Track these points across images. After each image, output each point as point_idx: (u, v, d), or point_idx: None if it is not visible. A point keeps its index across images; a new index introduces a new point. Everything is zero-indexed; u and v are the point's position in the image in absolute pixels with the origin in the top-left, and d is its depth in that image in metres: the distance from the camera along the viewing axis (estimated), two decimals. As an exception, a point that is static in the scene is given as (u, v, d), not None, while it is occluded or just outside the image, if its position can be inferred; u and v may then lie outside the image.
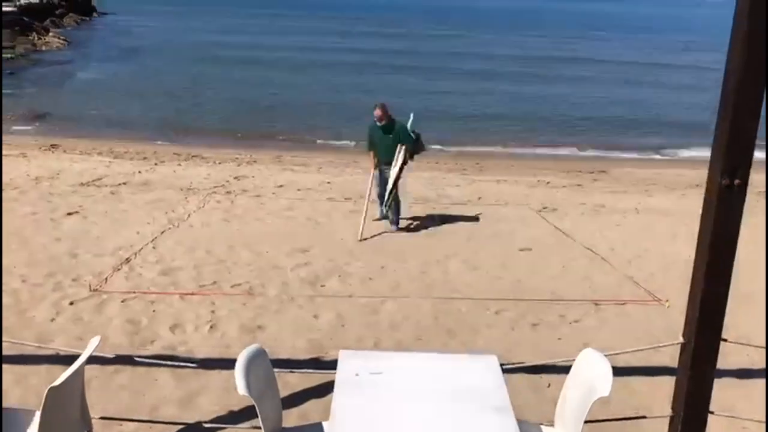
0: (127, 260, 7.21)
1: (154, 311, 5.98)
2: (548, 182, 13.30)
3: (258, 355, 3.32)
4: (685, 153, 18.30)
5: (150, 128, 18.98)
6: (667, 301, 6.72)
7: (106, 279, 6.66)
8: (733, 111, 3.18)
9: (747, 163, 3.27)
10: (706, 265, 3.28)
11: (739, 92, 3.19)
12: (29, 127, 18.46)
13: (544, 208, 10.59)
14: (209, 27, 52.56)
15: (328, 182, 12.06)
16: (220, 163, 13.94)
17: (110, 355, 4.64)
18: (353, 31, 52.28)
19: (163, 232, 8.27)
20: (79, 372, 3.24)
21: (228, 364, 4.82)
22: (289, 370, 4.82)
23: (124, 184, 10.95)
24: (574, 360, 3.59)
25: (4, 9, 35.38)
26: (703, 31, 67.41)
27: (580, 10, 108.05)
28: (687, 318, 3.51)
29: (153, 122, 19.79)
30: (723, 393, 4.78)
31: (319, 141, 18.19)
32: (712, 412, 3.64)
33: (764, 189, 12.80)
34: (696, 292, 3.38)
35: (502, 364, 3.67)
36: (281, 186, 11.49)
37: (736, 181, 3.25)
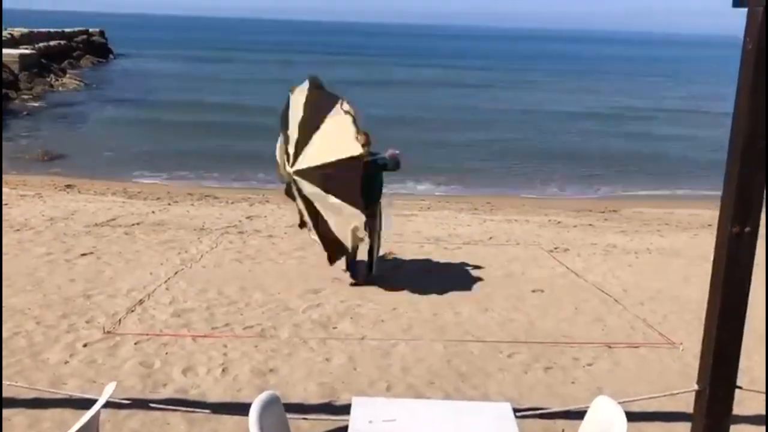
0: (141, 302, 7.26)
1: (167, 353, 6.00)
2: (559, 222, 13.30)
3: (272, 402, 3.33)
4: (697, 192, 18.29)
5: (163, 168, 19.23)
6: (681, 343, 6.67)
7: (120, 321, 6.70)
8: (741, 160, 3.23)
9: (757, 210, 3.31)
10: (718, 313, 3.29)
11: (747, 142, 3.24)
12: (45, 167, 18.72)
13: (556, 248, 10.58)
14: (226, 70, 53.45)
15: (340, 222, 12.12)
16: (232, 203, 14.06)
17: (124, 401, 4.65)
18: (372, 78, 52.94)
19: (176, 273, 8.33)
20: (94, 419, 3.26)
21: (240, 408, 4.84)
22: (301, 415, 4.81)
23: (138, 224, 11.06)
24: (588, 406, 3.58)
25: (23, 51, 36.21)
26: (681, 70, 67.97)
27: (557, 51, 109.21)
28: (701, 366, 3.51)
29: (166, 162, 20.05)
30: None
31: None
32: (729, 461, 3.60)
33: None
34: (709, 339, 3.38)
35: (515, 409, 3.66)
36: (293, 225, 11.52)
37: (747, 229, 3.29)
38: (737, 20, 3.67)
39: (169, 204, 13.56)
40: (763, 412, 5.30)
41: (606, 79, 55.73)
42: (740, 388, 3.57)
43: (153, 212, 12.26)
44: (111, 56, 59.74)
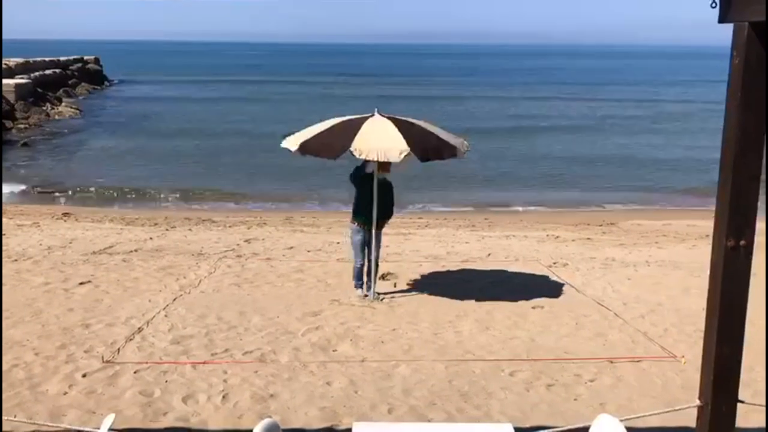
0: (140, 329, 7.22)
1: (167, 381, 5.96)
2: (557, 236, 13.31)
3: (271, 430, 3.31)
4: (693, 204, 18.33)
5: (160, 194, 19.27)
6: (683, 357, 6.65)
7: (119, 350, 6.66)
8: (733, 174, 3.24)
9: (751, 224, 3.31)
10: (717, 328, 3.28)
11: (739, 156, 3.25)
12: (43, 196, 18.74)
13: (554, 263, 10.58)
14: (219, 95, 53.73)
15: (338, 242, 12.11)
16: (230, 227, 14.06)
17: (123, 431, 4.61)
18: (360, 94, 53.20)
19: (174, 299, 8.30)
20: (93, 452, 3.23)
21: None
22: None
23: (136, 251, 11.04)
24: (590, 423, 3.56)
25: (19, 80, 36.38)
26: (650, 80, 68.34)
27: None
28: (702, 381, 3.49)
29: (163, 188, 20.08)
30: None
31: (327, 202, 18.35)
32: (733, 477, 3.58)
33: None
34: (709, 355, 3.37)
35: (517, 429, 3.64)
36: (291, 248, 11.55)
37: (742, 242, 3.29)
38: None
39: (167, 229, 13.56)
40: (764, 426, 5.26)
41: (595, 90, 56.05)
42: (742, 402, 3.55)
43: (151, 238, 12.25)
44: (106, 83, 60.06)
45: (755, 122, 3.34)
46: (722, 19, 3.41)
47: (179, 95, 51.94)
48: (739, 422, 3.97)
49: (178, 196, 19.21)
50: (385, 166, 8.03)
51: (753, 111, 3.33)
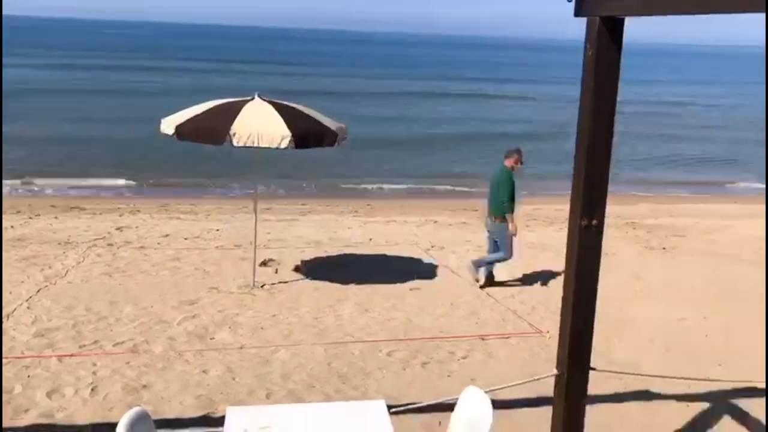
0: (-2, 323, 6.76)
1: (29, 376, 5.63)
2: (436, 221, 13.69)
3: (140, 418, 3.22)
4: (555, 189, 19.39)
5: (24, 179, 17.99)
6: (548, 332, 7.07)
7: (-26, 345, 6.21)
8: (587, 160, 3.49)
9: (602, 205, 3.58)
10: (572, 301, 3.53)
11: (592, 142, 3.50)
12: None
13: (432, 246, 10.89)
14: (96, 77, 50.78)
15: (217, 229, 11.85)
16: (100, 214, 13.37)
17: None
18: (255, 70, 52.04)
19: (38, 291, 7.83)
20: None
21: (111, 428, 4.63)
22: (177, 430, 4.67)
23: (-5, 240, 10.28)
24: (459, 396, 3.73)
25: None
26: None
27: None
28: (559, 351, 3.75)
29: (28, 173, 18.76)
30: (599, 418, 5.09)
31: (208, 187, 17.88)
32: (587, 439, 3.87)
33: (631, 220, 13.79)
34: (565, 326, 3.62)
35: (392, 406, 3.76)
36: (167, 235, 11.17)
37: (594, 222, 3.55)
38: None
39: (30, 218, 12.70)
40: (620, 390, 5.73)
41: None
42: (594, 369, 3.84)
43: (12, 227, 11.44)
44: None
45: (607, 111, 3.61)
46: (577, 13, 3.64)
47: (48, 76, 48.57)
48: (593, 389, 4.30)
49: (44, 181, 18.02)
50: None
51: (604, 100, 3.59)
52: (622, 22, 3.54)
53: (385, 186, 19.49)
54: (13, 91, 35.19)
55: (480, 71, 72.32)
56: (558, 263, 9.92)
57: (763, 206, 13.52)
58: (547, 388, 5.11)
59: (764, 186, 17.03)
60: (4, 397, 5.27)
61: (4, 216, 12.81)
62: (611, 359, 6.32)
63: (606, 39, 3.54)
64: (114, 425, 3.38)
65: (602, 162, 3.61)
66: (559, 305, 7.86)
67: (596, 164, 3.56)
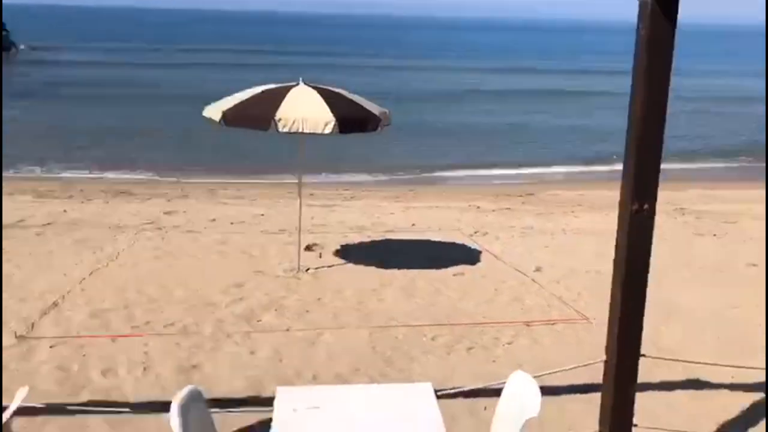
0: (55, 304, 7.00)
1: (84, 356, 5.82)
2: (479, 207, 13.62)
3: (194, 397, 3.31)
4: (607, 174, 19.07)
5: (76, 166, 18.50)
6: (594, 318, 6.99)
7: (33, 325, 6.44)
8: (638, 142, 3.42)
9: (654, 188, 3.51)
10: (621, 286, 3.49)
11: (643, 124, 3.43)
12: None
13: (476, 232, 10.84)
14: (137, 62, 51.77)
15: (262, 214, 12.01)
16: (149, 199, 13.68)
17: (39, 405, 4.50)
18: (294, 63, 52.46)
19: (91, 273, 8.07)
20: (7, 426, 3.15)
21: (163, 407, 4.75)
22: (227, 410, 4.78)
23: (50, 224, 10.61)
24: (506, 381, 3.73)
25: None
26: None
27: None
28: (608, 337, 3.71)
29: (78, 159, 19.29)
30: (648, 405, 5.03)
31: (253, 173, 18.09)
32: (635, 425, 3.83)
33: (680, 206, 13.49)
34: (614, 312, 3.58)
35: (438, 390, 3.77)
36: (214, 220, 11.37)
37: (645, 206, 3.49)
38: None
39: (83, 202, 13.07)
40: (670, 378, 5.64)
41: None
42: (645, 356, 3.79)
43: (65, 211, 11.80)
44: (13, 49, 56.73)
45: (659, 93, 3.53)
46: (630, -7, 3.56)
47: (92, 62, 49.71)
48: (643, 377, 4.24)
49: (94, 167, 18.49)
50: None
51: (657, 82, 3.52)
52: (677, 0, 3.45)
53: (427, 172, 19.44)
54: (64, 82, 36.17)
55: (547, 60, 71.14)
56: (603, 249, 9.75)
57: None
58: (595, 375, 5.07)
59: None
60: (63, 374, 5.46)
61: (57, 200, 13.21)
62: (660, 346, 6.22)
63: (660, 18, 3.45)
64: (167, 404, 3.48)
65: (654, 145, 3.54)
66: (605, 292, 7.75)
67: (648, 147, 3.50)
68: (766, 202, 11.98)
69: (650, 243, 3.57)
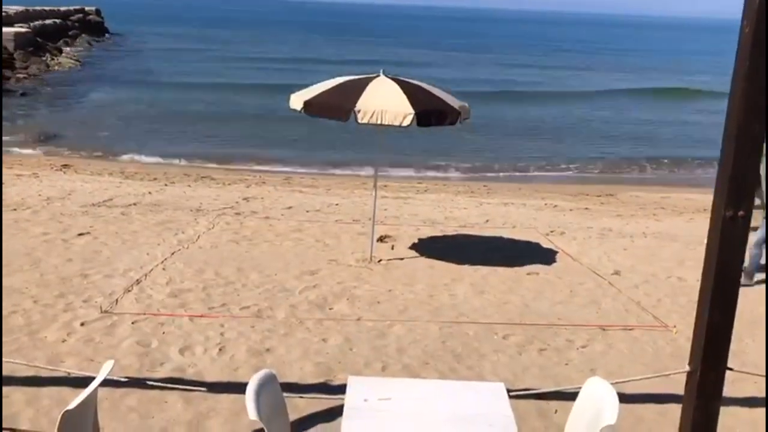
0: (138, 281, 7.28)
1: (164, 333, 6.03)
2: (555, 205, 13.34)
3: (269, 380, 3.37)
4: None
5: (160, 148, 19.19)
6: (674, 326, 6.73)
7: (117, 300, 6.72)
8: (736, 144, 3.25)
9: (749, 195, 3.33)
10: (710, 295, 3.33)
11: (741, 127, 3.25)
12: (41, 147, 18.66)
13: (552, 231, 10.62)
14: (222, 49, 53.16)
15: (337, 204, 12.14)
16: (229, 184, 14.06)
17: (121, 378, 4.69)
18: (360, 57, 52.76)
19: (173, 254, 8.35)
20: (93, 396, 3.29)
21: (237, 387, 4.89)
22: (298, 394, 4.85)
23: (135, 204, 11.06)
24: (581, 386, 3.63)
25: (18, 29, 35.92)
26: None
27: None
28: (693, 347, 3.55)
29: (163, 143, 20.01)
30: (730, 421, 4.80)
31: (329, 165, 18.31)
32: (718, 441, 3.66)
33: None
34: (701, 321, 3.42)
35: (509, 390, 3.71)
36: (290, 207, 11.58)
37: (740, 213, 3.31)
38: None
39: (166, 185, 13.56)
40: (755, 395, 5.36)
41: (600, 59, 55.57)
42: (731, 369, 3.62)
43: (149, 193, 12.26)
44: (107, 35, 59.33)
45: (760, 94, 3.34)
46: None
47: (182, 48, 51.38)
48: (726, 390, 4.05)
49: (178, 151, 19.14)
50: None
51: (759, 81, 3.33)
52: (786, -4, 3.25)
53: (502, 169, 19.16)
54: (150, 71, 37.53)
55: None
56: (686, 255, 9.42)
57: None
58: (674, 386, 4.89)
59: None
60: (142, 350, 5.68)
61: (142, 182, 13.75)
62: (744, 360, 5.93)
63: (766, 15, 3.26)
64: (241, 384, 3.56)
65: (752, 149, 3.36)
66: (687, 299, 7.49)
67: (746, 152, 3.32)
68: (765, 212, 11.19)
69: (743, 252, 3.40)
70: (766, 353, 5.83)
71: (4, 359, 4.89)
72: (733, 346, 3.90)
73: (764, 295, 7.85)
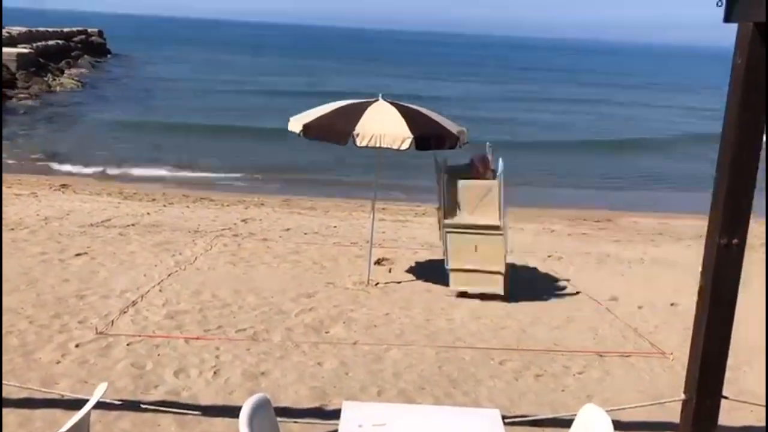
0: (134, 303, 7.27)
1: (159, 355, 6.01)
2: (553, 230, 13.36)
3: (263, 405, 3.35)
4: (692, 202, 18.36)
5: (159, 169, 19.23)
6: (671, 353, 6.71)
7: (113, 322, 6.71)
8: (729, 173, 3.28)
9: (744, 223, 3.35)
10: (705, 323, 3.33)
11: (736, 155, 3.29)
12: (41, 167, 18.71)
13: (549, 256, 10.62)
14: (223, 69, 53.54)
15: (335, 226, 12.15)
16: (227, 206, 14.07)
17: (115, 401, 4.66)
18: (364, 79, 53.13)
19: (170, 275, 8.34)
20: (86, 418, 3.27)
21: (231, 411, 4.86)
22: (292, 419, 4.83)
23: (133, 225, 11.07)
24: (576, 413, 3.61)
25: (21, 50, 36.18)
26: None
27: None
28: (688, 375, 3.55)
29: (162, 163, 20.06)
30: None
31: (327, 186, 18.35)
32: (714, 471, 3.64)
33: (762, 239, 12.83)
34: (696, 349, 3.42)
35: (504, 417, 3.69)
36: (288, 229, 11.58)
37: (734, 241, 3.33)
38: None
39: (165, 205, 13.58)
40: (752, 423, 5.34)
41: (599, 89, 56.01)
42: (726, 398, 3.61)
43: (148, 213, 12.27)
44: (109, 56, 59.74)
45: (754, 122, 3.38)
46: (727, 19, 3.43)
47: (183, 71, 51.72)
48: (722, 419, 4.03)
49: (177, 173, 19.19)
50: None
51: (753, 111, 3.37)
52: (778, 28, 3.30)
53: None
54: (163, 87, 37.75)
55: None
56: (685, 282, 9.38)
57: None
58: (670, 413, 4.86)
59: None
60: (137, 372, 5.65)
61: (140, 203, 13.77)
62: (741, 388, 5.90)
63: (758, 46, 3.31)
64: (234, 408, 3.55)
65: (747, 178, 3.38)
66: (684, 326, 7.46)
67: (741, 180, 3.34)
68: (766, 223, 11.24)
69: (738, 280, 3.41)
70: (766, 382, 5.80)
71: (-3, 380, 4.86)
72: (729, 375, 3.89)
73: (763, 321, 7.84)
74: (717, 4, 3.45)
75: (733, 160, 3.31)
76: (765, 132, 3.42)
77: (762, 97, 3.39)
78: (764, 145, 3.45)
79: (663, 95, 51.70)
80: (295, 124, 7.96)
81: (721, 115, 3.52)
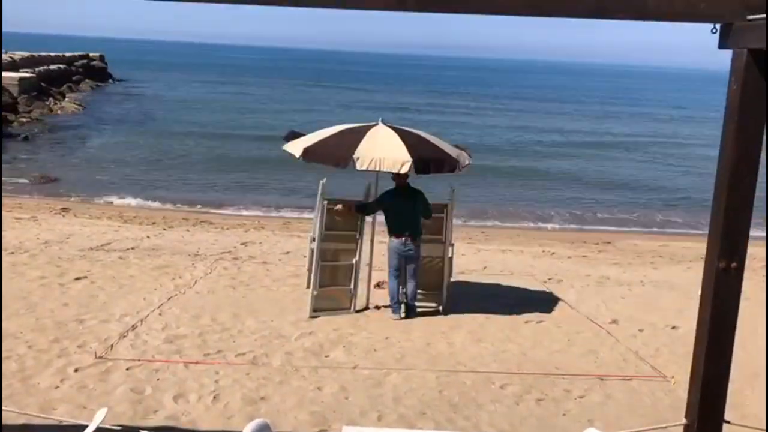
0: (133, 327, 7.25)
1: (158, 380, 5.98)
2: (553, 253, 13.36)
3: (262, 430, 3.33)
4: (690, 226, 18.40)
5: (160, 193, 19.29)
6: (672, 377, 6.68)
7: (112, 346, 6.68)
8: (727, 198, 3.30)
9: (743, 246, 3.36)
10: (705, 346, 3.33)
11: (734, 180, 3.31)
12: (41, 191, 18.76)
13: (549, 279, 10.62)
14: (222, 96, 53.88)
15: (335, 250, 12.14)
16: (227, 229, 14.10)
17: (114, 427, 4.63)
18: (359, 103, 53.47)
19: (169, 299, 8.33)
20: (84, 445, 3.26)
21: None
22: (291, 444, 4.79)
23: (133, 248, 11.07)
24: (578, 439, 3.60)
25: (23, 74, 36.44)
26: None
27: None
28: (689, 400, 3.54)
29: (163, 187, 20.12)
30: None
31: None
32: (717, 497, 3.61)
33: (762, 262, 12.83)
34: (697, 373, 3.41)
35: (505, 442, 3.67)
36: (288, 252, 11.59)
37: (733, 264, 3.34)
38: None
39: (165, 229, 13.60)
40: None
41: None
42: (728, 422, 3.59)
43: (148, 237, 12.28)
44: (110, 81, 60.15)
45: (751, 148, 3.40)
46: (722, 45, 3.47)
47: (184, 95, 52.06)
48: (725, 443, 4.01)
49: (177, 196, 19.23)
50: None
51: (749, 136, 3.39)
52: (774, 53, 3.33)
53: (501, 215, 19.22)
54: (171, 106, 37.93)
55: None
56: (684, 304, 9.39)
57: None
58: (672, 438, 4.83)
59: None
60: (136, 397, 5.62)
61: (140, 226, 13.79)
62: (744, 412, 5.87)
63: (754, 72, 3.35)
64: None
65: (745, 202, 3.40)
66: (685, 349, 7.43)
67: (738, 204, 3.36)
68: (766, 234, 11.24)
69: (737, 303, 3.41)
70: (766, 406, 5.77)
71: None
72: (732, 398, 3.87)
73: (763, 346, 7.81)
74: (711, 31, 3.50)
75: (730, 186, 3.33)
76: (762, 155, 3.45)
77: (759, 123, 3.42)
78: (762, 168, 3.48)
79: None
80: (293, 147, 8.01)
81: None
